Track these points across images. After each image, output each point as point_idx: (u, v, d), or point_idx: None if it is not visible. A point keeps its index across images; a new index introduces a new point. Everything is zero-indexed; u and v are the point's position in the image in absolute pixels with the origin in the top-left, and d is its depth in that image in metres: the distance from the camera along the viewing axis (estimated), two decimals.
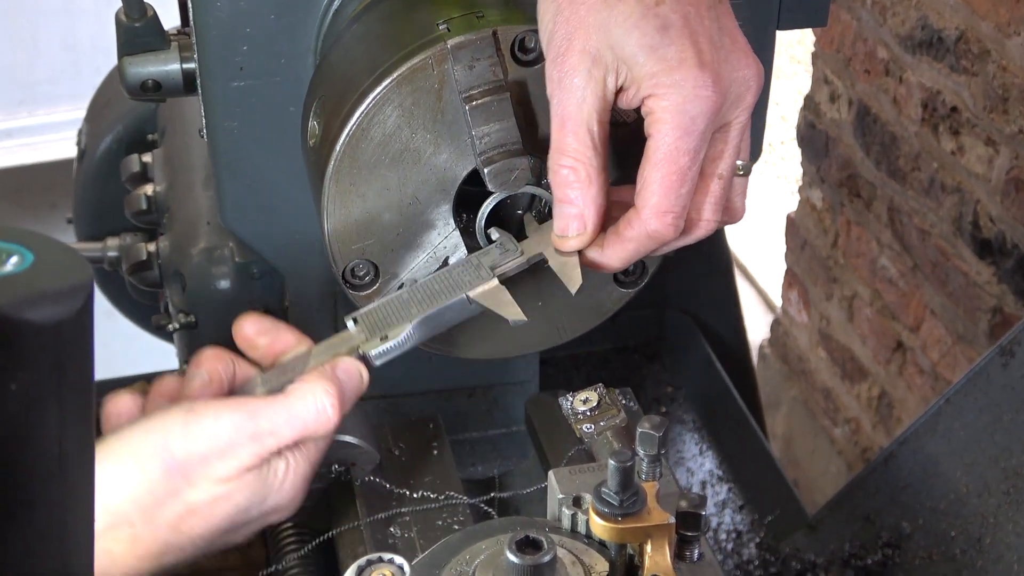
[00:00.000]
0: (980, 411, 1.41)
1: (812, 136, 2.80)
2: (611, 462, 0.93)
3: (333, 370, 1.07)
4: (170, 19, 1.36)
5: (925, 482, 1.46)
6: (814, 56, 2.78)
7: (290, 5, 1.21)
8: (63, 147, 3.06)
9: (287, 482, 1.04)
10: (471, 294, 1.11)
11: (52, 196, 3.27)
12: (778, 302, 3.14)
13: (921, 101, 2.38)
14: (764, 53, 1.08)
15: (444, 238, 1.16)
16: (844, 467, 2.84)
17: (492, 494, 1.31)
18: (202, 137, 1.29)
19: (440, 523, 1.27)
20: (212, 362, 1.10)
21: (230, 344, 1.18)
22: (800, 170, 2.90)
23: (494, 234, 1.15)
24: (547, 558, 0.90)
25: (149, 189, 1.71)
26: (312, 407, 1.03)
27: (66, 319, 0.59)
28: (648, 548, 0.95)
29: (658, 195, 1.03)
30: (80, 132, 2.07)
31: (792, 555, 1.63)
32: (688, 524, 0.99)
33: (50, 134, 3.35)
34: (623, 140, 1.10)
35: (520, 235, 1.15)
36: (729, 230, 1.80)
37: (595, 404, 1.15)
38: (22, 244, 0.60)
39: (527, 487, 1.37)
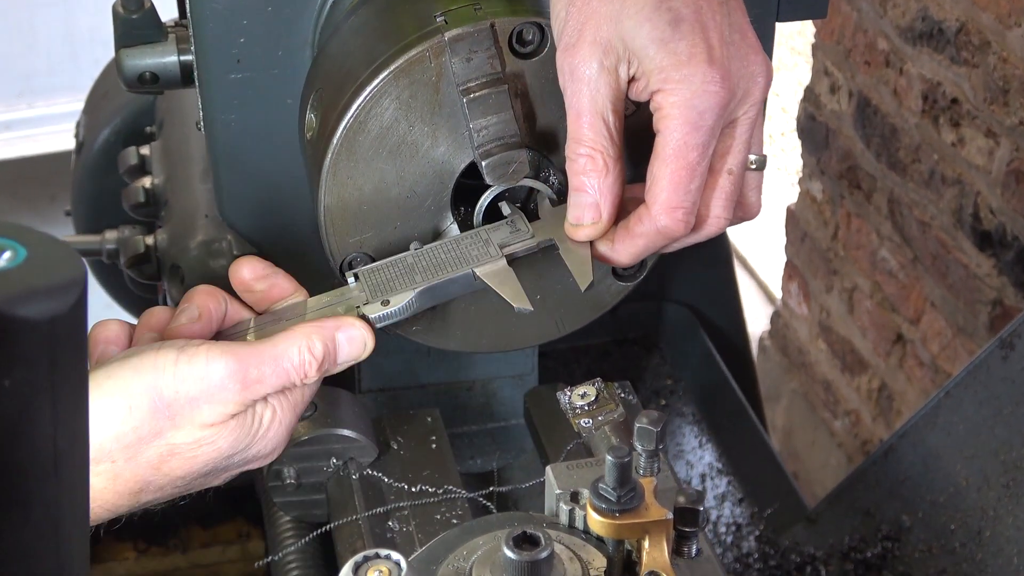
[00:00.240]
0: (980, 404, 1.41)
1: (812, 128, 2.80)
2: (608, 458, 0.93)
3: (333, 328, 1.05)
4: (167, 11, 1.36)
5: (925, 475, 1.46)
6: (814, 47, 2.78)
7: None
8: (62, 139, 3.05)
9: (271, 431, 1.03)
10: (479, 271, 1.09)
11: (51, 188, 3.26)
12: (778, 294, 3.13)
13: (921, 93, 2.38)
14: (764, 45, 1.08)
15: (442, 231, 1.16)
16: (844, 460, 2.83)
17: (491, 488, 1.31)
18: (200, 130, 1.29)
19: (439, 517, 1.27)
20: (204, 298, 1.08)
21: None
22: (800, 162, 2.90)
23: (505, 209, 1.14)
24: (544, 554, 0.89)
25: (147, 182, 1.71)
26: (298, 356, 1.02)
27: (60, 315, 0.58)
28: (646, 544, 0.95)
29: (668, 191, 1.04)
30: (78, 124, 2.07)
31: (791, 548, 1.63)
32: (686, 520, 0.98)
33: (48, 126, 3.34)
34: (630, 134, 1.09)
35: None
36: None
37: (593, 399, 1.14)
38: (15, 239, 0.60)
39: (526, 480, 1.37)
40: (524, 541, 0.90)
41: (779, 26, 1.34)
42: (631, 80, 1.04)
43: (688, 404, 1.84)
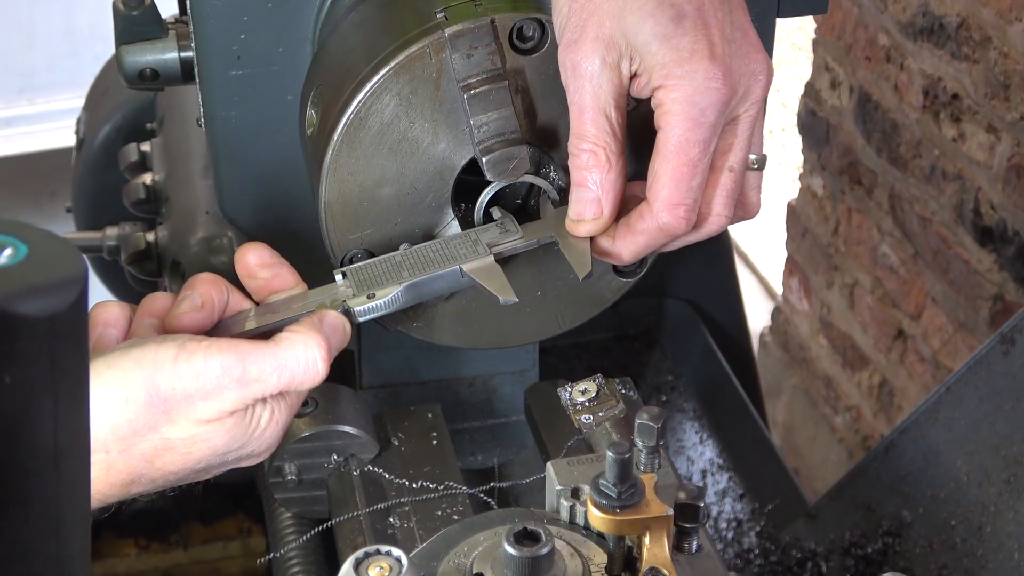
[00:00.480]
0: (981, 400, 1.41)
1: (813, 123, 2.79)
2: (609, 454, 0.93)
3: (321, 322, 1.06)
4: (168, 7, 1.36)
5: (926, 471, 1.46)
6: (815, 43, 2.77)
7: None
8: (62, 135, 3.05)
9: (267, 430, 1.03)
10: (465, 267, 1.10)
11: (51, 185, 3.26)
12: (779, 290, 3.13)
13: (922, 88, 2.38)
14: (765, 40, 1.08)
15: (442, 228, 1.16)
16: (845, 455, 2.83)
17: (491, 484, 1.31)
18: (200, 126, 1.29)
19: (439, 513, 1.27)
20: (207, 286, 1.08)
21: None
22: (801, 157, 2.90)
23: (495, 213, 1.14)
24: (545, 550, 0.90)
25: (148, 178, 1.71)
26: (302, 359, 1.02)
27: (60, 312, 0.58)
28: (646, 540, 0.95)
29: (669, 187, 1.04)
30: (79, 121, 2.07)
31: (792, 544, 1.63)
32: (687, 516, 0.98)
33: (49, 122, 3.34)
34: (631, 131, 1.10)
35: (521, 222, 1.15)
36: None
37: (594, 395, 1.14)
38: (16, 236, 0.60)
39: (527, 477, 1.37)
40: (525, 537, 0.90)
41: (780, 21, 1.34)
42: (633, 76, 1.04)
43: (689, 400, 1.84)
